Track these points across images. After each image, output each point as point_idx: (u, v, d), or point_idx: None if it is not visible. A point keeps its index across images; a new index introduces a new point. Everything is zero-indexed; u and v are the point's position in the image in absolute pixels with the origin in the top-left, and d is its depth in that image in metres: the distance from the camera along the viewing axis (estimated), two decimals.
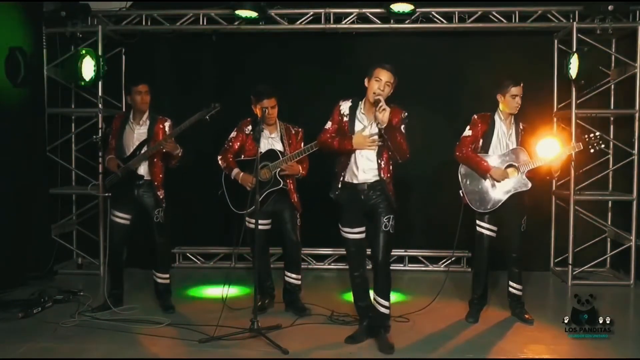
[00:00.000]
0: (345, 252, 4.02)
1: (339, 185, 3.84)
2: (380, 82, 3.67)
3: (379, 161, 3.76)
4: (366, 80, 3.75)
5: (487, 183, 4.34)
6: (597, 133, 4.44)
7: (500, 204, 4.31)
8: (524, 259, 4.51)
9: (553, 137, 4.65)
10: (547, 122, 5.74)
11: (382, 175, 3.75)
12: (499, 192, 4.33)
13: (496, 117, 4.37)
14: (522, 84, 4.29)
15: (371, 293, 3.95)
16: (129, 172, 4.48)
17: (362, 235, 3.89)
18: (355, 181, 3.79)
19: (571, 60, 5.37)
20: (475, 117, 4.41)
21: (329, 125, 3.92)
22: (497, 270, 4.95)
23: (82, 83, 5.58)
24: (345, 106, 3.87)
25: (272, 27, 5.95)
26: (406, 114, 3.77)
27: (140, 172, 4.52)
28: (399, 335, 3.94)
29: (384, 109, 3.55)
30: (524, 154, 4.32)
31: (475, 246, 4.53)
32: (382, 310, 3.81)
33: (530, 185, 4.31)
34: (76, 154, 6.27)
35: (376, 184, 3.77)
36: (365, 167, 3.77)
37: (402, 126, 3.74)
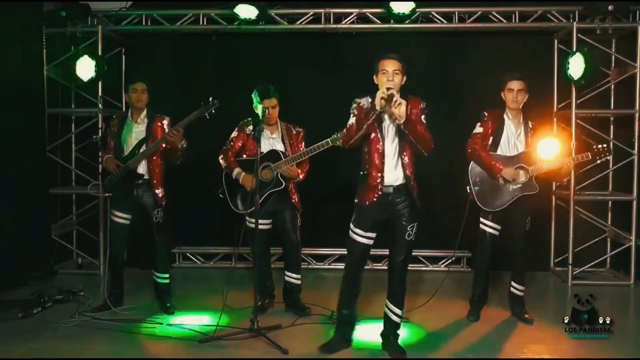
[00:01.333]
0: (346, 253, 3.82)
1: (371, 189, 3.57)
2: (388, 73, 3.51)
3: (403, 158, 3.58)
4: (375, 78, 3.61)
5: (497, 183, 4.34)
6: (605, 145, 4.43)
7: (507, 204, 4.32)
8: (529, 258, 4.51)
9: (556, 139, 4.66)
10: (547, 122, 5.74)
11: (407, 172, 3.58)
12: (507, 193, 4.33)
13: (505, 116, 4.37)
14: (521, 79, 4.28)
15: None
16: (129, 171, 4.48)
17: (371, 242, 3.70)
18: (385, 183, 3.58)
19: (570, 60, 5.36)
20: (486, 113, 4.39)
21: (352, 121, 3.59)
22: (499, 270, 4.95)
23: (80, 83, 5.59)
24: (365, 101, 3.62)
25: (272, 27, 5.95)
26: (425, 103, 3.63)
27: (140, 171, 4.51)
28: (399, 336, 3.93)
29: (399, 104, 3.36)
30: (533, 157, 4.32)
31: (477, 244, 4.53)
32: (395, 318, 3.74)
33: (537, 189, 4.32)
34: (76, 154, 6.28)
35: (401, 187, 3.59)
36: (388, 167, 3.56)
37: (423, 116, 3.60)
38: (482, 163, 4.35)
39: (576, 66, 5.32)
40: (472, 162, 4.42)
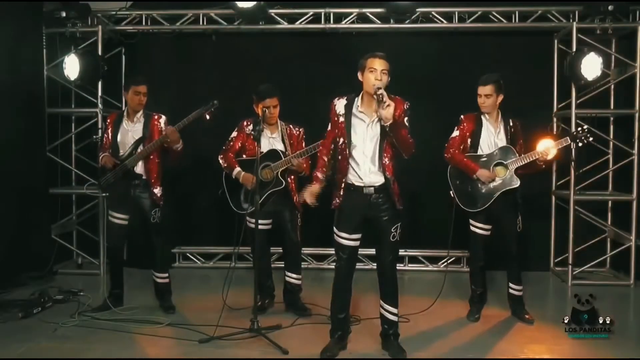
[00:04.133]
0: (335, 256, 3.76)
1: (341, 192, 3.61)
2: (376, 71, 3.46)
3: (383, 159, 3.54)
4: (359, 75, 3.57)
5: (476, 183, 4.36)
6: (585, 126, 4.46)
7: (489, 202, 4.32)
8: (523, 259, 4.52)
9: (547, 138, 4.65)
10: (547, 122, 5.75)
11: (387, 174, 3.56)
12: (488, 192, 4.34)
13: (482, 117, 4.40)
14: (490, 86, 4.27)
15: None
16: (126, 171, 4.48)
17: (358, 243, 3.67)
18: (360, 184, 3.57)
19: (584, 60, 5.32)
20: (462, 117, 4.45)
21: (329, 128, 3.70)
22: (497, 270, 4.95)
23: (71, 82, 5.61)
24: (340, 105, 3.63)
25: (272, 27, 5.96)
26: (409, 104, 3.58)
27: (137, 171, 4.50)
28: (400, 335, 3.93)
29: (388, 105, 3.33)
30: (511, 151, 4.33)
31: (470, 245, 4.55)
32: (391, 317, 3.73)
33: (518, 182, 4.31)
34: (76, 154, 6.27)
35: (382, 188, 3.56)
36: (368, 168, 3.56)
37: (406, 118, 3.55)
38: (458, 164, 4.39)
39: (589, 66, 5.29)
40: (450, 166, 4.45)
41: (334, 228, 3.68)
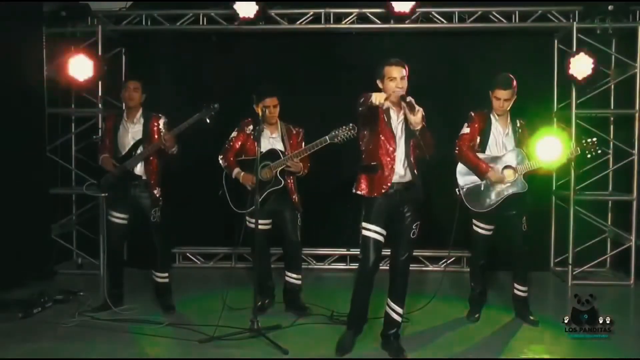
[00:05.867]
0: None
1: (370, 184, 3.63)
2: (395, 79, 3.53)
3: (409, 157, 3.65)
4: (378, 83, 3.62)
5: (484, 184, 4.34)
6: (594, 138, 4.42)
7: (496, 204, 4.31)
8: (529, 258, 4.50)
9: (554, 137, 4.64)
10: (547, 122, 5.74)
11: (415, 170, 3.65)
12: (495, 193, 4.32)
13: (491, 116, 4.37)
14: (510, 90, 4.21)
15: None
16: (125, 172, 4.48)
17: (382, 239, 3.65)
18: (394, 180, 3.62)
19: (572, 60, 5.35)
20: (472, 114, 4.40)
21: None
22: (498, 270, 4.94)
23: (74, 84, 5.63)
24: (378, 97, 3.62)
25: (272, 27, 5.96)
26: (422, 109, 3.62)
27: (137, 172, 4.50)
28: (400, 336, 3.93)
29: (418, 110, 3.38)
30: (522, 155, 4.32)
31: (471, 245, 4.55)
32: (396, 317, 3.75)
33: (527, 187, 4.30)
34: (76, 154, 6.27)
35: (409, 185, 3.66)
36: (400, 164, 3.63)
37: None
38: (469, 163, 4.35)
39: (579, 66, 5.30)
40: (459, 164, 4.42)
41: (363, 223, 3.66)
